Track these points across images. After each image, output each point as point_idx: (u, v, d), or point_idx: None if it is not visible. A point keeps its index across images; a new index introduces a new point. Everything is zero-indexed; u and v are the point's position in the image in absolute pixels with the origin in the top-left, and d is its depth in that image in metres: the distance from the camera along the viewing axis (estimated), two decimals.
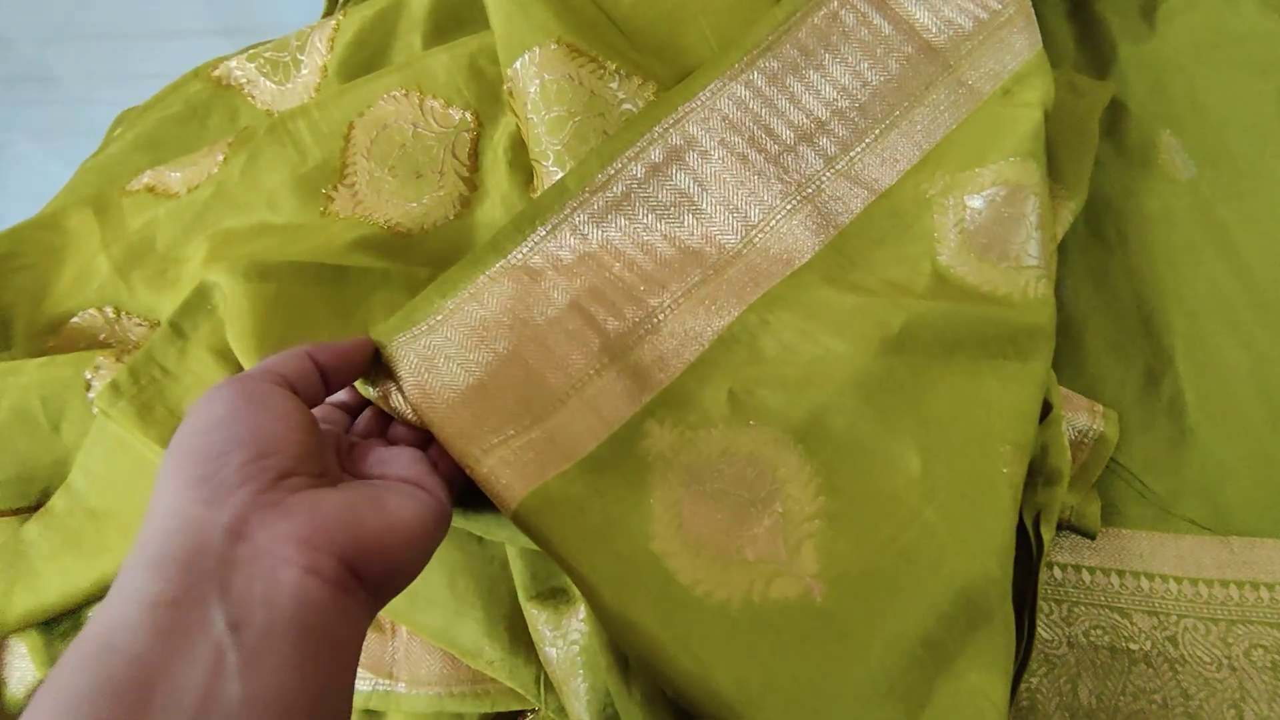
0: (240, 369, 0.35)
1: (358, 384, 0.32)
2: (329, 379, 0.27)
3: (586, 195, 0.36)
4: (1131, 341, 0.40)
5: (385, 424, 0.31)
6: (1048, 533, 0.33)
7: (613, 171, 0.36)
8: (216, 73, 0.51)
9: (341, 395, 0.32)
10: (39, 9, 0.85)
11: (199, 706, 0.17)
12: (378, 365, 0.32)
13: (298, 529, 0.21)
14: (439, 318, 0.33)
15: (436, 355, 0.32)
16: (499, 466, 0.29)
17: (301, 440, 0.23)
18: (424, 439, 0.31)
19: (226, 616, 0.19)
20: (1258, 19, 0.49)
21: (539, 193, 0.38)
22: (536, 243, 0.35)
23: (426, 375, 0.31)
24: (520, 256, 0.35)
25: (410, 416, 0.31)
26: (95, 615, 0.19)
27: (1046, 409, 0.34)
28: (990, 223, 0.35)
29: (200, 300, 0.36)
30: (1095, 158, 0.43)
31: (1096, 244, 0.43)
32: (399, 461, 0.27)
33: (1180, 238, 0.43)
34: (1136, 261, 0.42)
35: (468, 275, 0.34)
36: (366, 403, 0.32)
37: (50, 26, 0.83)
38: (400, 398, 0.31)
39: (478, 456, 0.30)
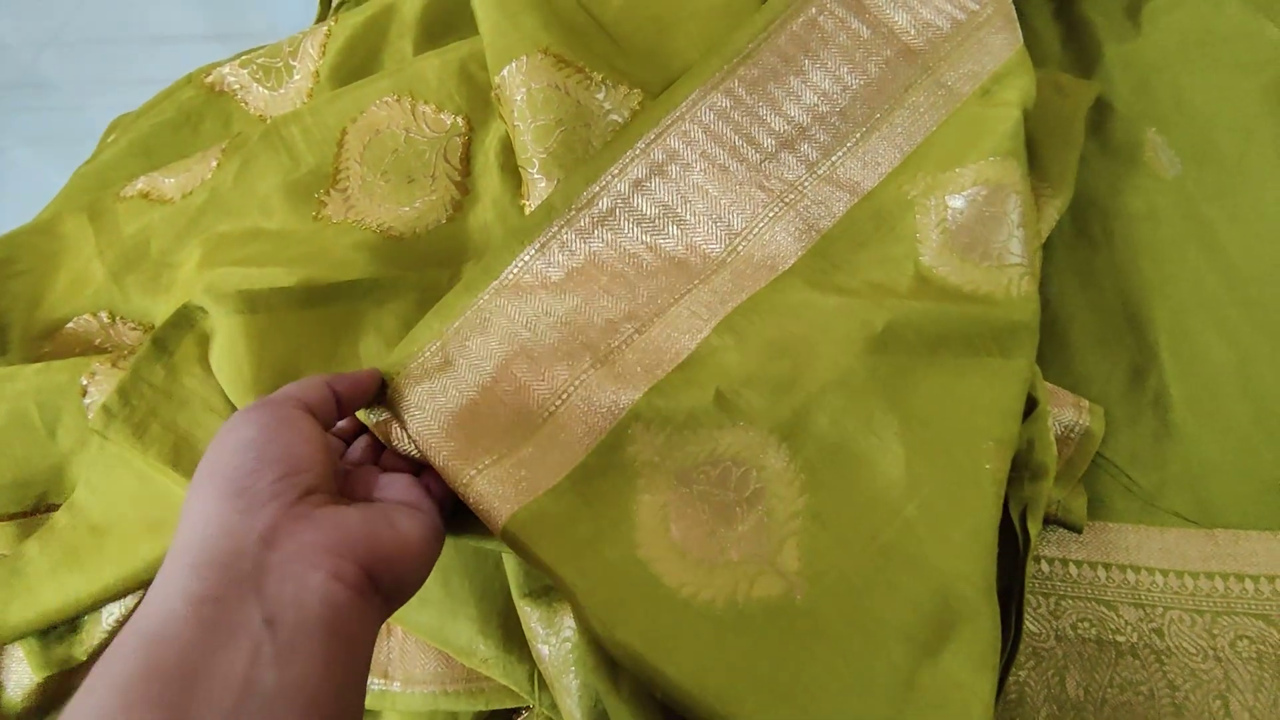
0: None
1: (359, 412, 0.33)
2: (342, 407, 0.30)
3: (573, 213, 0.37)
4: (1117, 338, 0.41)
5: (377, 451, 0.32)
6: (1034, 527, 0.33)
7: (598, 189, 0.37)
8: (209, 79, 0.51)
9: (341, 423, 0.33)
10: (34, 15, 0.85)
11: (240, 692, 0.19)
12: (380, 393, 0.33)
13: (324, 539, 0.23)
14: (437, 344, 0.34)
15: (436, 382, 0.33)
16: (490, 486, 0.30)
17: (324, 461, 0.26)
18: (416, 464, 0.32)
19: (262, 613, 0.21)
20: (1243, 18, 0.50)
21: (527, 202, 0.38)
22: (526, 262, 0.36)
23: (426, 402, 0.32)
24: (511, 276, 0.36)
25: (408, 445, 0.32)
26: (143, 609, 0.21)
27: (1032, 405, 0.34)
28: (972, 222, 0.36)
29: (183, 318, 0.37)
30: (1081, 156, 0.43)
31: (1082, 242, 0.43)
32: (395, 486, 0.28)
33: (1166, 235, 0.43)
34: (1122, 259, 0.42)
35: (462, 300, 0.35)
36: (359, 431, 0.33)
37: (45, 32, 0.83)
38: (399, 428, 0.32)
39: (470, 477, 0.30)
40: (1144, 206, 0.44)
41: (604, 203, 0.37)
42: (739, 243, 0.37)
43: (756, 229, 0.37)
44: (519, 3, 0.40)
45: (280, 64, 0.50)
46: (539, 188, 0.38)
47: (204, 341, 0.36)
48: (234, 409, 0.35)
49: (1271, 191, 0.44)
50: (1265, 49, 0.48)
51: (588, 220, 0.37)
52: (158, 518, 0.35)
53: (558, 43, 0.39)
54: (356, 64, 0.48)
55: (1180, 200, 0.44)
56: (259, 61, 0.50)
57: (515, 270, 0.36)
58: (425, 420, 0.32)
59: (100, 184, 0.49)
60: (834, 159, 0.39)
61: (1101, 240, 0.43)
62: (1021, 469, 0.34)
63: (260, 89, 0.50)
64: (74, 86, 0.80)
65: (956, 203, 0.36)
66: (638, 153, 0.38)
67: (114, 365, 0.38)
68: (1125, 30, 0.50)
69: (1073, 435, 0.36)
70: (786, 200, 0.38)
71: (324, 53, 0.48)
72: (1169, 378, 0.39)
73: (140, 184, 0.47)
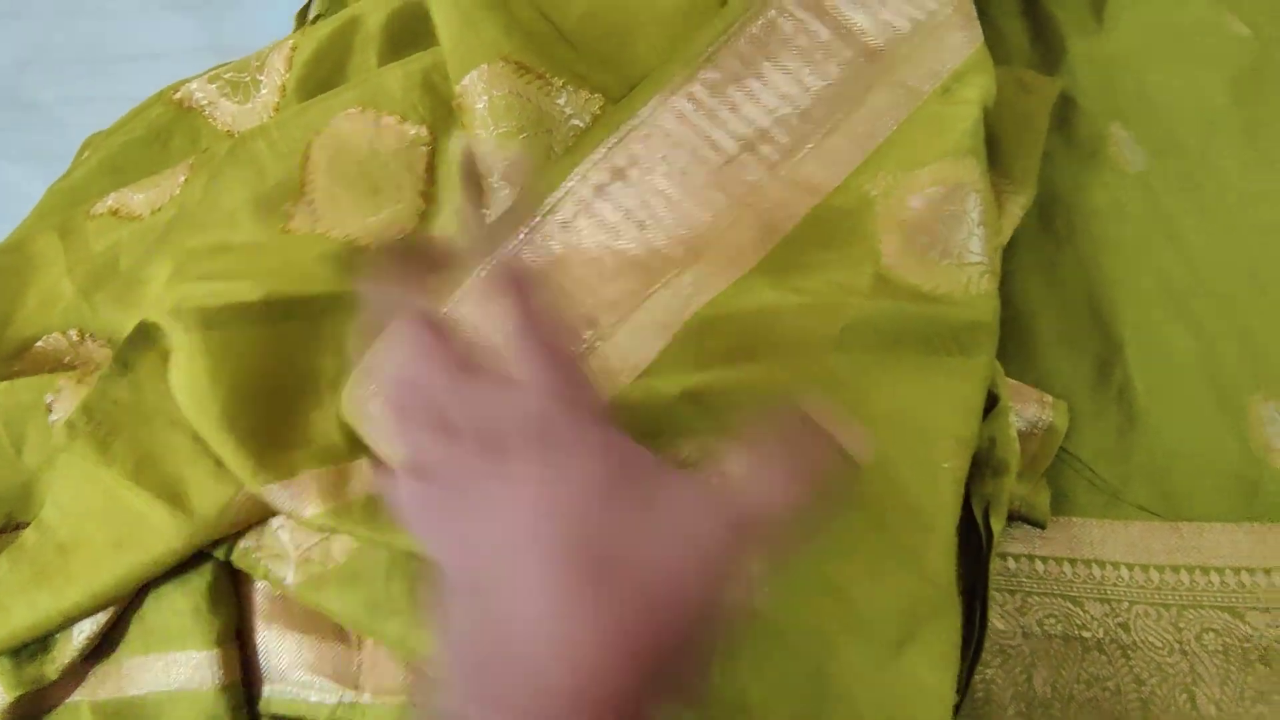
0: None
1: None
2: None
3: (536, 220, 0.37)
4: (1082, 333, 0.41)
5: None
6: (997, 524, 0.33)
7: (560, 194, 0.37)
8: (178, 95, 0.51)
9: None
10: (15, 33, 0.85)
11: None
12: None
13: None
14: None
15: None
16: None
17: None
18: None
19: None
20: (1206, 12, 0.50)
21: (488, 211, 0.38)
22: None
23: None
24: (474, 285, 0.36)
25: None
26: None
27: (993, 402, 0.35)
28: (931, 221, 0.36)
29: (143, 335, 0.37)
30: (1045, 152, 0.43)
31: (1047, 238, 0.43)
32: None
33: (1130, 229, 0.43)
34: (1086, 254, 0.43)
35: None
36: None
37: (27, 50, 0.83)
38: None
39: None
40: (1108, 201, 0.44)
41: (566, 208, 0.37)
42: (701, 245, 0.37)
43: (718, 231, 0.37)
44: (479, 11, 0.40)
45: (248, 78, 0.50)
46: (500, 196, 0.38)
47: (167, 357, 0.36)
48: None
49: (1235, 184, 0.44)
50: (1228, 43, 0.48)
51: (551, 226, 0.37)
52: (123, 535, 0.35)
53: (518, 50, 0.39)
54: (323, 76, 0.48)
55: (1144, 194, 0.44)
56: (226, 76, 0.50)
57: (479, 279, 0.36)
58: None
59: (71, 202, 0.49)
60: (795, 160, 0.39)
61: (1065, 236, 0.43)
62: (983, 466, 0.34)
63: (228, 104, 0.50)
64: (59, 104, 0.80)
65: (916, 202, 0.37)
66: (599, 158, 0.38)
67: (79, 382, 0.38)
68: (1089, 25, 0.50)
69: (1036, 431, 0.36)
70: (747, 202, 0.38)
71: (290, 66, 0.48)
72: (1133, 371, 0.39)
73: (110, 201, 0.47)
